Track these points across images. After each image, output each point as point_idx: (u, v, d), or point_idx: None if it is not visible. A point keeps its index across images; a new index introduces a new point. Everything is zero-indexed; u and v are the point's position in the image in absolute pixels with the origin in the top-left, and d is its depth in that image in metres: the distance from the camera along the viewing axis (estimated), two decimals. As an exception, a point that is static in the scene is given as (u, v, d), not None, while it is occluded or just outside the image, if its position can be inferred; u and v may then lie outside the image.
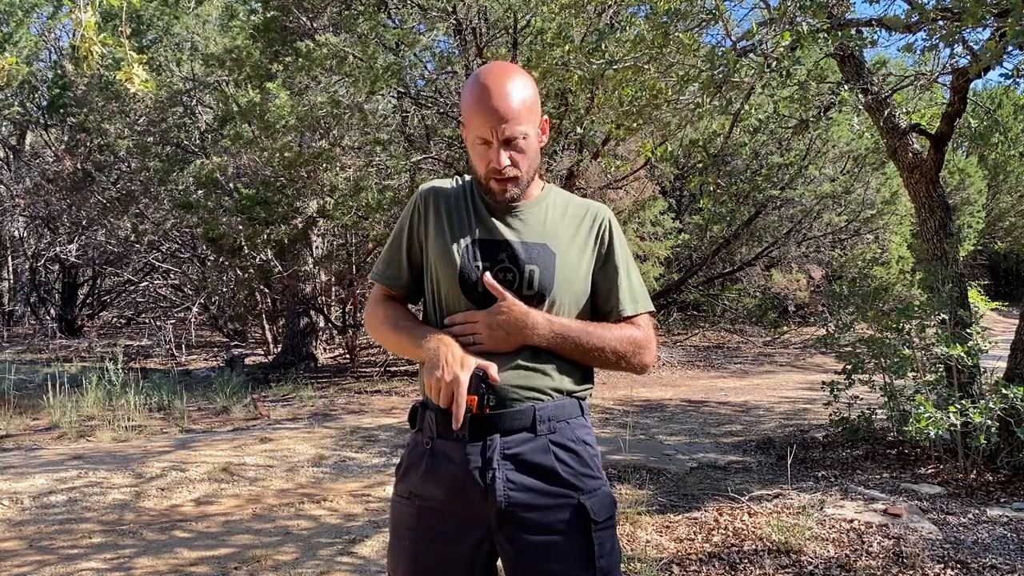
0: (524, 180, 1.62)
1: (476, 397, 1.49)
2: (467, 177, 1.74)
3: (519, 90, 1.57)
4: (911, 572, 3.33)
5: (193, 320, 15.05)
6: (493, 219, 1.65)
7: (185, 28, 13.59)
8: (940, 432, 4.55)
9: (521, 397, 1.55)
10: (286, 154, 9.75)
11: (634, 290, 1.69)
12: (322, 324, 13.06)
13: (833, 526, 3.91)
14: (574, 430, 1.59)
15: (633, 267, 1.73)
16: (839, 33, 4.51)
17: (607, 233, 1.70)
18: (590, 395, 1.69)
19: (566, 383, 1.60)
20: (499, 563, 1.61)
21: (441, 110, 10.53)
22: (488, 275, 1.58)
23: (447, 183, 1.73)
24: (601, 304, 1.69)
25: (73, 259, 15.84)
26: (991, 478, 4.73)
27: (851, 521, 3.97)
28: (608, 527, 1.58)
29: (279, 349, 13.03)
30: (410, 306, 1.77)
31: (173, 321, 15.37)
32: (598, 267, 1.68)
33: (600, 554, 1.55)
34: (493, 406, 1.51)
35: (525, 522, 1.53)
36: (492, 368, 1.52)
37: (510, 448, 1.53)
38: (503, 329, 1.56)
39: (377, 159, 10.31)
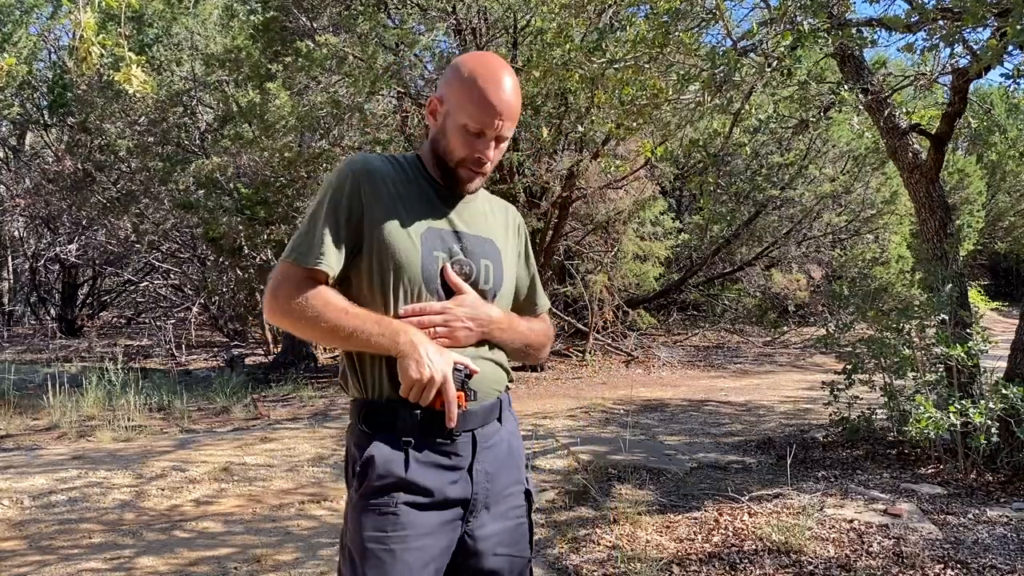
0: (488, 176, 1.64)
1: (462, 392, 1.51)
2: (397, 155, 1.64)
3: (518, 90, 1.57)
4: (911, 572, 3.33)
5: (193, 320, 15.05)
6: (444, 207, 1.60)
7: (185, 28, 13.59)
8: (940, 432, 4.56)
9: (490, 390, 1.60)
10: (286, 154, 9.75)
11: (542, 288, 1.83)
12: (322, 324, 13.03)
13: (833, 526, 3.91)
14: (514, 418, 1.70)
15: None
16: (839, 33, 4.51)
17: (524, 232, 1.78)
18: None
19: (508, 375, 1.68)
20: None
21: (441, 110, 10.51)
22: (449, 268, 1.56)
23: (378, 161, 1.60)
24: (520, 300, 1.76)
25: (73, 259, 15.84)
26: (991, 478, 4.73)
27: (851, 521, 3.97)
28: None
29: (279, 349, 13.02)
30: None
31: (173, 321, 15.37)
32: (520, 265, 1.76)
33: (532, 533, 1.68)
34: (474, 400, 1.54)
35: (494, 511, 1.59)
36: (470, 362, 1.53)
37: (487, 441, 1.58)
38: (471, 322, 1.55)
39: (377, 159, 10.30)
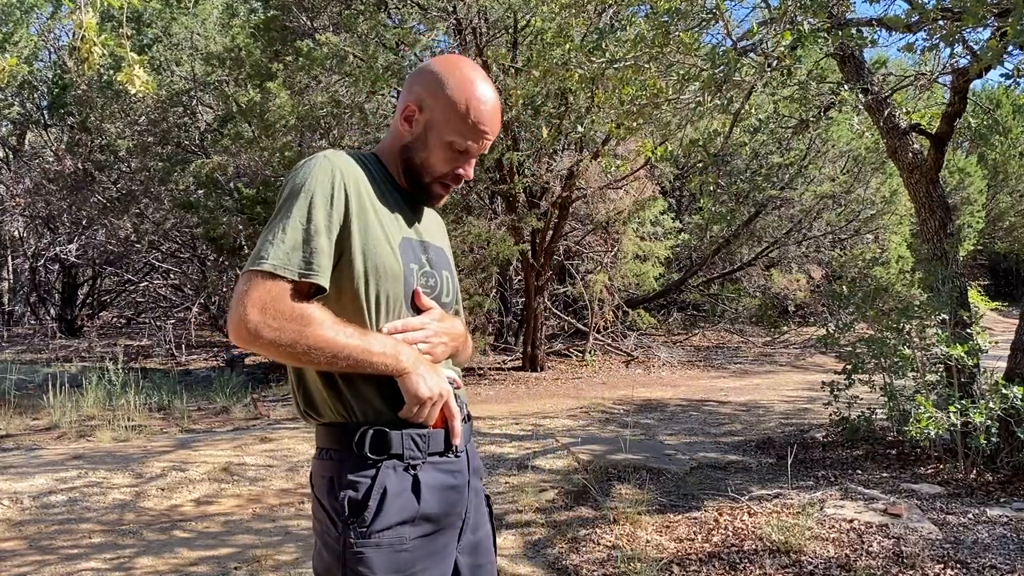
0: None
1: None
2: (358, 153, 1.51)
3: (499, 102, 1.52)
4: (911, 572, 3.33)
5: (193, 320, 15.04)
6: (411, 214, 1.53)
7: (185, 28, 13.60)
8: (940, 432, 4.56)
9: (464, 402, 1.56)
10: (286, 154, 9.76)
11: None
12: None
13: (833, 526, 3.91)
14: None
15: None
16: (839, 33, 4.51)
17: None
18: None
19: None
20: None
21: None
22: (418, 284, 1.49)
23: (354, 159, 1.47)
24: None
25: (73, 259, 15.84)
26: (991, 478, 4.73)
27: (851, 521, 3.98)
28: None
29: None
30: None
31: (173, 321, 15.38)
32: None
33: (495, 535, 1.62)
34: (465, 413, 1.52)
35: (475, 521, 1.54)
36: (456, 375, 1.50)
37: (474, 456, 1.56)
38: (446, 336, 1.49)
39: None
